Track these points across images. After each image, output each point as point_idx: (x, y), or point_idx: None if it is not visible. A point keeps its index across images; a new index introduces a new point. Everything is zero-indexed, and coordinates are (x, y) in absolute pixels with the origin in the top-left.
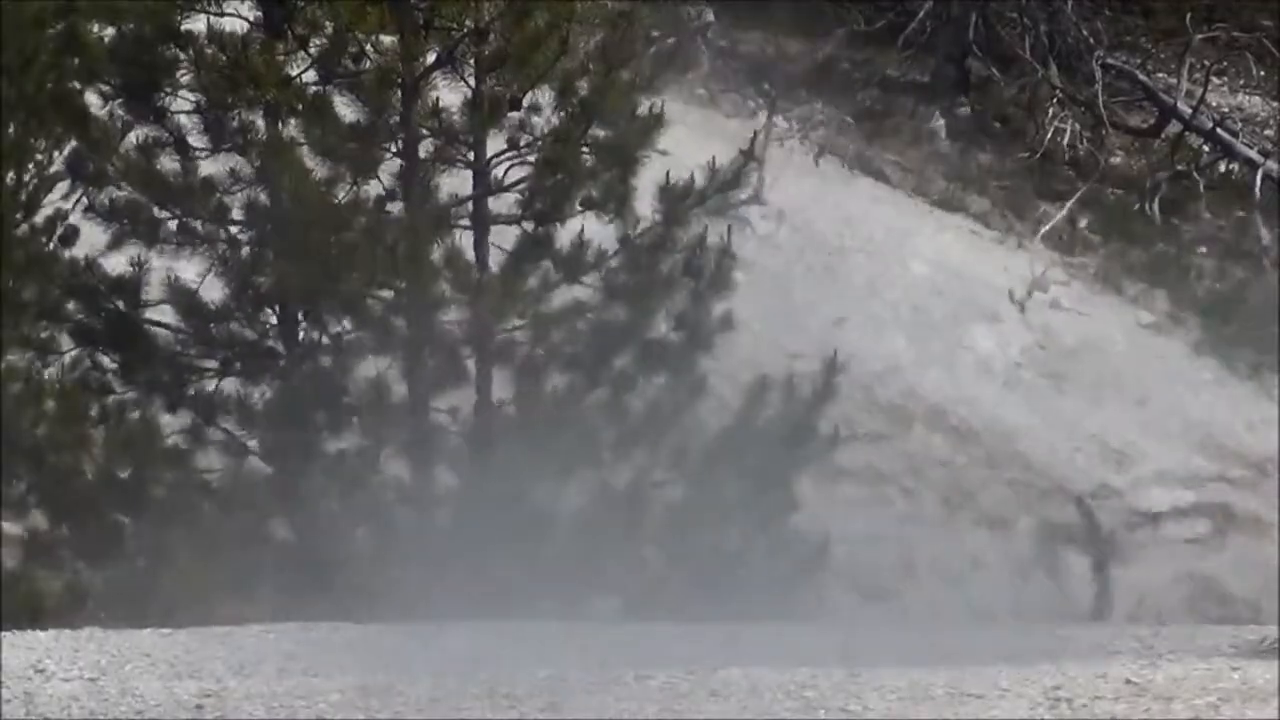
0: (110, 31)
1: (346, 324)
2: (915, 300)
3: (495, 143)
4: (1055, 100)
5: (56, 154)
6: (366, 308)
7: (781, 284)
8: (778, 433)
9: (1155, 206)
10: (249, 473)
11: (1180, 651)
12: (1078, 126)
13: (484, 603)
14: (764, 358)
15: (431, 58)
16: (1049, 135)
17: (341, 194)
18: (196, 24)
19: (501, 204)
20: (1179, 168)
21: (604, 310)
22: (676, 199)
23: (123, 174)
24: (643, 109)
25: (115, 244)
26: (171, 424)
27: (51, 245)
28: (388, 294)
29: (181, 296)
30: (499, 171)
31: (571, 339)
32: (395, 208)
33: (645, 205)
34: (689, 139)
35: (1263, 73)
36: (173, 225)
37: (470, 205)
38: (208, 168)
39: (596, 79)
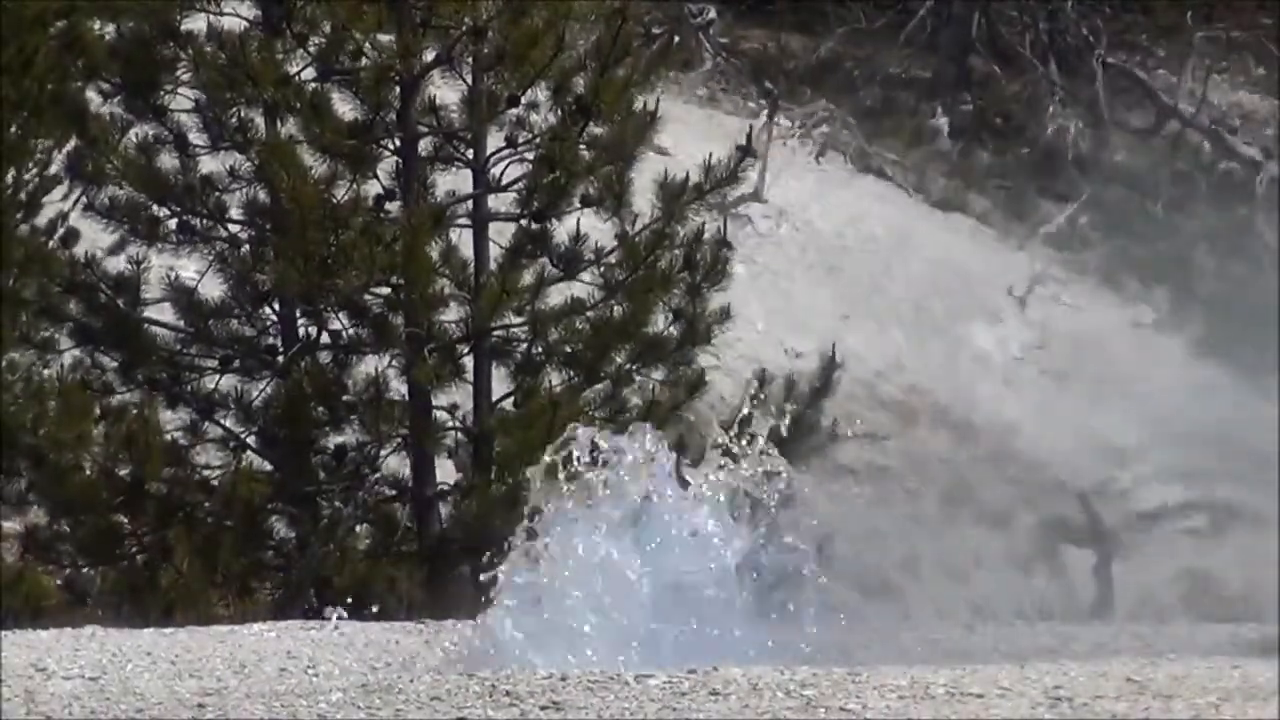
0: (110, 30)
1: (345, 321)
2: (916, 298)
3: (493, 140)
4: (1056, 99)
5: (56, 154)
6: (365, 305)
7: (782, 281)
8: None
9: (1156, 205)
10: (248, 470)
11: (1181, 650)
12: (1078, 125)
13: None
14: (765, 356)
15: (429, 56)
16: (1050, 133)
17: (340, 192)
18: (196, 22)
19: (500, 201)
20: (1179, 166)
21: (602, 307)
22: (674, 195)
23: (122, 172)
24: (639, 105)
25: (115, 243)
26: (171, 422)
27: (51, 244)
28: (386, 291)
29: (181, 295)
30: (497, 169)
31: (570, 336)
32: (394, 205)
33: (643, 202)
34: (690, 137)
35: (1263, 71)
36: (172, 223)
37: (469, 203)
38: (207, 165)
39: (593, 76)
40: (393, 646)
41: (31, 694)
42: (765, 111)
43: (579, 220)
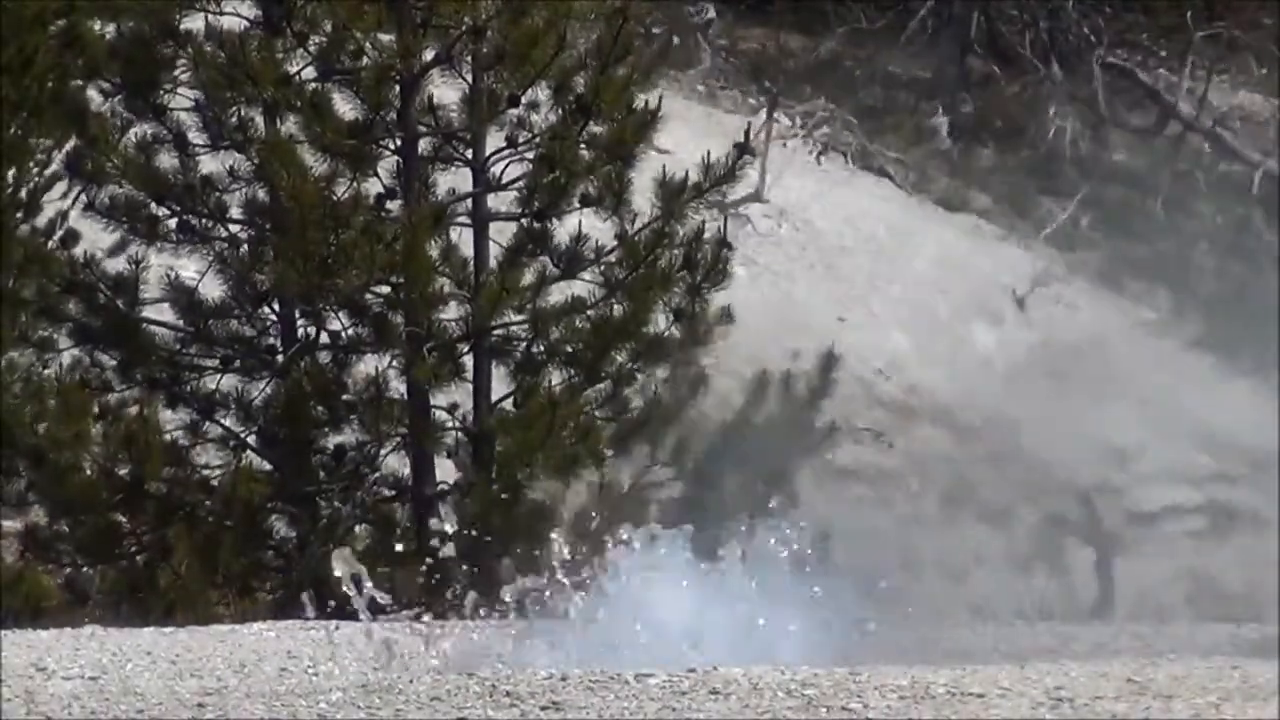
0: (110, 29)
1: (345, 321)
2: (917, 298)
3: (493, 140)
4: (1056, 99)
5: (56, 154)
6: (365, 305)
7: (783, 282)
8: (778, 428)
9: (1156, 205)
10: (248, 470)
11: (1181, 650)
12: (1078, 124)
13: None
14: (766, 355)
15: (430, 55)
16: (1050, 133)
17: (340, 191)
18: (195, 22)
19: (500, 201)
20: (1180, 166)
21: (602, 306)
22: (674, 193)
23: (122, 171)
24: (639, 104)
25: (115, 243)
26: (171, 421)
27: (51, 244)
28: (386, 290)
29: (180, 294)
30: (497, 168)
31: (570, 335)
32: (394, 205)
33: (643, 201)
34: (690, 136)
35: (1263, 71)
36: (172, 223)
37: (469, 202)
38: (207, 165)
39: (593, 75)
40: (392, 647)
41: (31, 694)
42: (765, 110)
43: (579, 219)
